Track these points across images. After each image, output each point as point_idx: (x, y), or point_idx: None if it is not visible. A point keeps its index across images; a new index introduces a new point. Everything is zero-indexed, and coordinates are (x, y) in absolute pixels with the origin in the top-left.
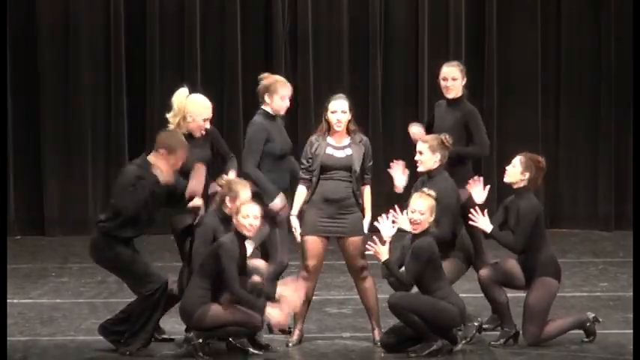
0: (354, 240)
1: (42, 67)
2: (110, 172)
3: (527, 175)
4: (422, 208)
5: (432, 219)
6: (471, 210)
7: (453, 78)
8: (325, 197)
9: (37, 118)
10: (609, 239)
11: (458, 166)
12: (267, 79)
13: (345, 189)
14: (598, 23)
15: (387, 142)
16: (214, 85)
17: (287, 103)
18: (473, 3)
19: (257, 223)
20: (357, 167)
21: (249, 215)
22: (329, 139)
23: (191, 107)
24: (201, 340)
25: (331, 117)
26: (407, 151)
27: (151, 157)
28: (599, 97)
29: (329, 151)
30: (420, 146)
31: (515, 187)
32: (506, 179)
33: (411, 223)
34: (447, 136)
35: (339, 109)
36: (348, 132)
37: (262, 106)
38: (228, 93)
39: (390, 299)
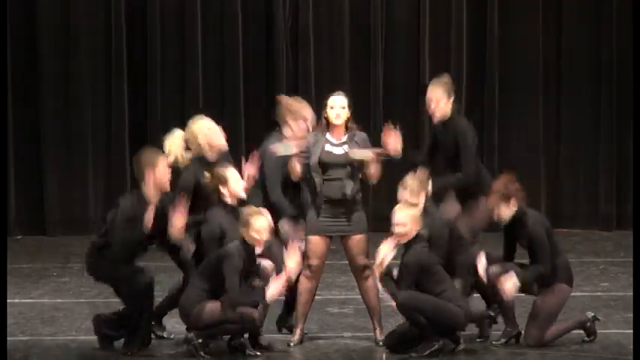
0: (357, 238)
1: (42, 67)
2: (111, 172)
3: (511, 202)
4: (403, 220)
5: (418, 227)
6: (493, 281)
7: (436, 100)
8: (327, 197)
9: (37, 118)
10: (610, 239)
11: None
12: (290, 105)
13: (345, 189)
14: (599, 23)
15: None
16: (215, 83)
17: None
18: (474, 1)
19: (268, 236)
20: (356, 164)
21: (261, 231)
22: (328, 136)
23: (209, 134)
24: (201, 340)
25: (330, 112)
26: (409, 153)
27: (142, 187)
28: (600, 97)
29: (327, 147)
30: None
31: (512, 217)
32: (502, 221)
33: (396, 236)
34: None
35: (337, 105)
36: (348, 129)
37: (282, 130)
38: (229, 92)
39: (398, 298)
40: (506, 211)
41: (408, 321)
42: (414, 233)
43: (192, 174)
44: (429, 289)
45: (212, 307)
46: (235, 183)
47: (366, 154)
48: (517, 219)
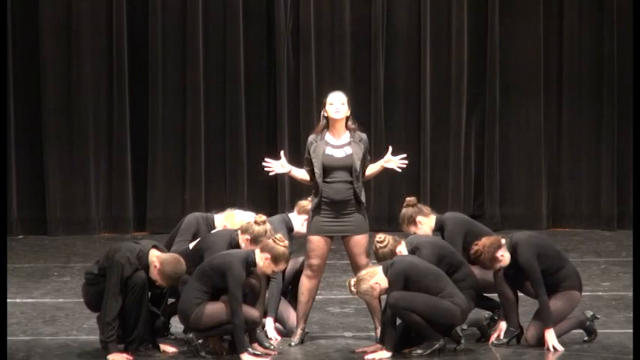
0: (359, 238)
1: (44, 67)
2: (112, 172)
3: (496, 258)
4: (367, 293)
5: (379, 278)
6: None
7: None
8: (328, 200)
9: (39, 117)
10: (611, 239)
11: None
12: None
13: (347, 190)
14: (600, 21)
15: (389, 141)
16: (216, 83)
17: None
18: (475, 3)
19: (275, 270)
20: (357, 166)
21: (275, 271)
22: (327, 137)
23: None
24: (201, 341)
25: (329, 109)
26: (409, 153)
27: (152, 255)
28: (601, 96)
29: (328, 151)
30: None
31: (505, 264)
32: (501, 268)
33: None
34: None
35: (337, 101)
36: (347, 129)
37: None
38: (230, 92)
39: (389, 299)
40: (503, 262)
41: (403, 321)
42: (384, 285)
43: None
44: (426, 290)
45: (212, 308)
46: (277, 264)
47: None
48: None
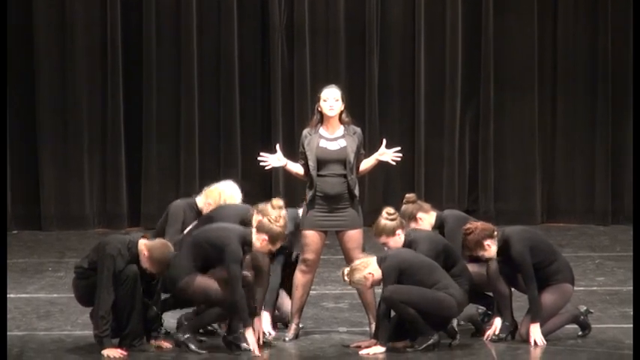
0: (353, 233)
1: (38, 63)
2: (107, 167)
3: (485, 245)
4: (360, 283)
5: (373, 268)
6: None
7: None
8: (322, 194)
9: (33, 112)
10: (606, 234)
11: None
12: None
13: (341, 185)
14: (594, 16)
15: (383, 136)
16: (210, 79)
17: None
18: None
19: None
20: (351, 159)
21: (272, 249)
22: (321, 131)
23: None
24: (188, 335)
25: (323, 105)
26: (404, 148)
27: (141, 244)
28: (596, 91)
29: (322, 143)
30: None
31: (496, 255)
32: (490, 257)
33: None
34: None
35: (331, 97)
36: (342, 123)
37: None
38: (224, 88)
39: (383, 292)
40: (489, 253)
41: (397, 314)
42: (378, 276)
43: None
44: (420, 283)
45: (202, 281)
46: (274, 243)
47: (369, 162)
48: (501, 245)
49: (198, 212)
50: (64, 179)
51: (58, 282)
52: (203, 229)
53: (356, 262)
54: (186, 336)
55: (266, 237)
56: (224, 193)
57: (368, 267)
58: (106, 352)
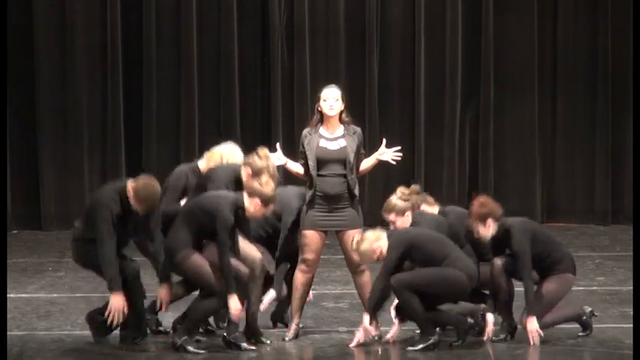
0: (353, 233)
1: (38, 63)
2: (106, 167)
3: (488, 222)
4: (366, 254)
5: (382, 242)
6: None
7: None
8: (322, 193)
9: (33, 112)
10: (606, 233)
11: None
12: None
13: (341, 184)
14: (594, 16)
15: (383, 136)
16: (210, 78)
17: None
18: None
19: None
20: (351, 159)
21: (266, 211)
22: (321, 131)
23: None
24: (185, 337)
25: (323, 105)
26: (404, 148)
27: (128, 185)
28: (596, 91)
29: (322, 143)
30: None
31: (494, 236)
32: (485, 240)
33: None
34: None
35: (331, 97)
36: (342, 122)
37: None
38: (224, 87)
39: (392, 281)
40: (485, 231)
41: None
42: (385, 247)
43: None
44: (431, 257)
45: (197, 258)
46: (267, 203)
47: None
48: (501, 234)
49: (200, 176)
50: (64, 179)
51: (58, 282)
52: (198, 197)
53: (368, 233)
54: (183, 338)
55: (259, 201)
56: (225, 154)
57: (378, 240)
58: (114, 299)
